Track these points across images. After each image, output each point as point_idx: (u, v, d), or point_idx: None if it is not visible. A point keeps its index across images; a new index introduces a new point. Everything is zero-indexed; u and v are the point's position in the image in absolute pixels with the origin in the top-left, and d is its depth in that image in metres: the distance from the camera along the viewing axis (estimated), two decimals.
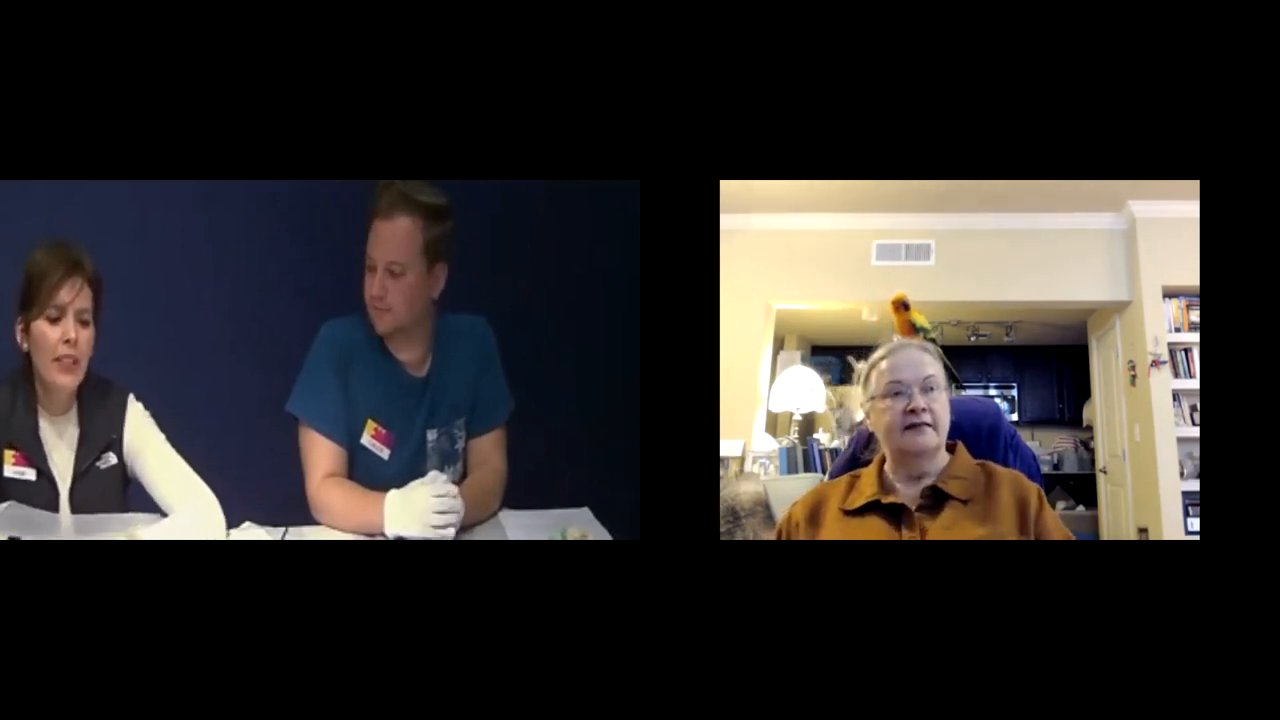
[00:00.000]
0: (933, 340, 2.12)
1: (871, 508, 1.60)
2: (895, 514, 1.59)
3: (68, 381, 1.84)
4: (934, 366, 1.63)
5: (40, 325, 1.81)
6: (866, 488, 1.63)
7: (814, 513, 1.65)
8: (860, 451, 1.88)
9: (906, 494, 1.61)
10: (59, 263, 1.81)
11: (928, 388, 1.60)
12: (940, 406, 1.60)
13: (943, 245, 4.70)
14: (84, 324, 1.82)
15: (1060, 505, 5.98)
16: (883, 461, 1.66)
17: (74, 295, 1.81)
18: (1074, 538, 1.57)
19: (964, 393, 3.95)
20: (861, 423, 2.58)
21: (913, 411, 1.58)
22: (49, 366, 1.82)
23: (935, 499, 1.58)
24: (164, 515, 1.86)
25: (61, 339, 1.80)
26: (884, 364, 1.64)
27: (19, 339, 1.84)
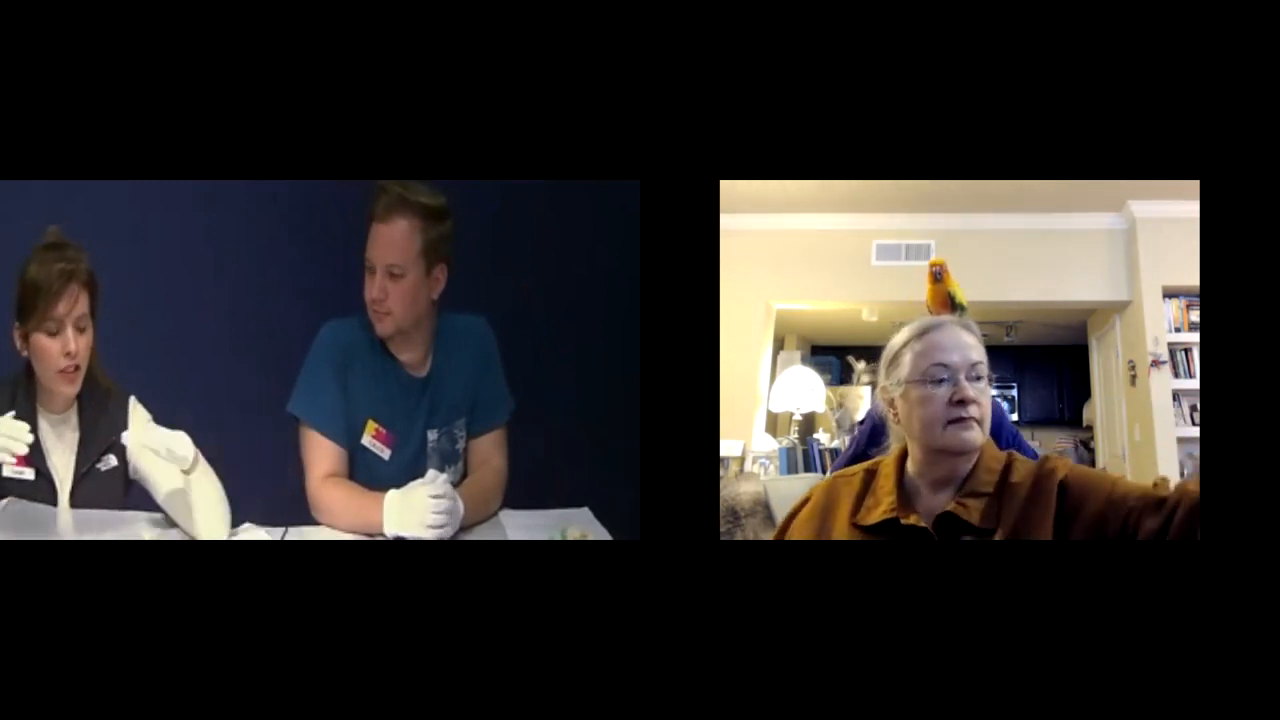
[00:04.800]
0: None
1: (888, 527, 1.40)
2: (916, 541, 1.39)
3: (71, 390, 1.84)
4: (980, 352, 1.40)
5: (40, 339, 1.79)
6: (884, 496, 1.42)
7: (823, 522, 1.47)
8: (869, 449, 1.68)
9: (929, 504, 1.41)
10: (53, 275, 1.77)
11: (975, 376, 1.37)
12: (987, 401, 1.38)
13: (943, 245, 4.71)
14: (81, 330, 1.80)
15: None
16: (902, 458, 1.45)
17: (71, 306, 1.78)
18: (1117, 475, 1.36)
19: None
20: (862, 421, 2.56)
21: (961, 402, 1.35)
22: (53, 378, 1.82)
23: (954, 527, 1.38)
24: (165, 515, 1.85)
25: (62, 352, 1.79)
26: (922, 343, 1.40)
27: (18, 345, 1.82)
